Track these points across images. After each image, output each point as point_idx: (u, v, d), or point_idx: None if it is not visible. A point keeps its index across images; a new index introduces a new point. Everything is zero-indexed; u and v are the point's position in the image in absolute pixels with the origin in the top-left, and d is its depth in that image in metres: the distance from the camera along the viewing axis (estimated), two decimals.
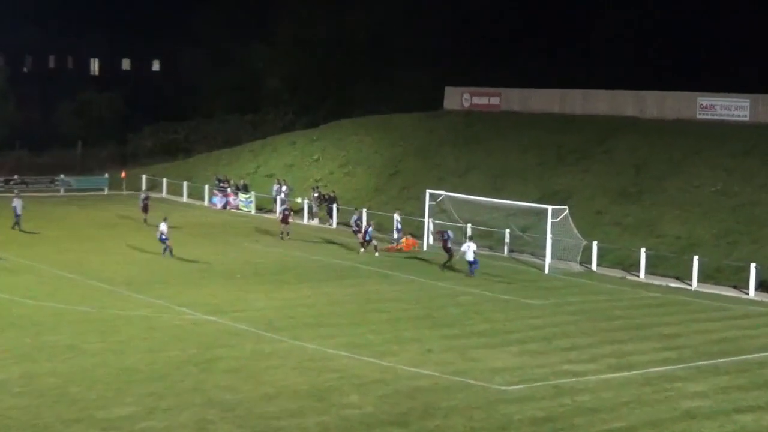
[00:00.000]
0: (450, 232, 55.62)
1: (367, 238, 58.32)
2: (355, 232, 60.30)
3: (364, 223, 61.40)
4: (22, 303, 42.23)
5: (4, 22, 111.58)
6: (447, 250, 54.33)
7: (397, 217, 62.85)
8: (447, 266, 53.64)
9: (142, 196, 70.95)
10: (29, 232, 61.59)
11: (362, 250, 57.84)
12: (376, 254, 57.41)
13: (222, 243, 61.21)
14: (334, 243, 61.41)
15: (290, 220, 64.04)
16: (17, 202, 63.52)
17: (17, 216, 62.88)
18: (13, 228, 62.13)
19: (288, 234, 62.63)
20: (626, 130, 70.16)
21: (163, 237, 54.62)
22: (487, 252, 58.27)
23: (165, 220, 55.67)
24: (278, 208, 74.95)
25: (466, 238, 54.66)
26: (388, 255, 58.07)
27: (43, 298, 43.35)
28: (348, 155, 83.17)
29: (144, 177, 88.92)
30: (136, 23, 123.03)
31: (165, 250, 54.49)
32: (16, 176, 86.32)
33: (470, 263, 51.78)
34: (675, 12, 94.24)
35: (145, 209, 68.28)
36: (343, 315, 42.07)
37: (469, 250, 51.74)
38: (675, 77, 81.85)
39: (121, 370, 32.62)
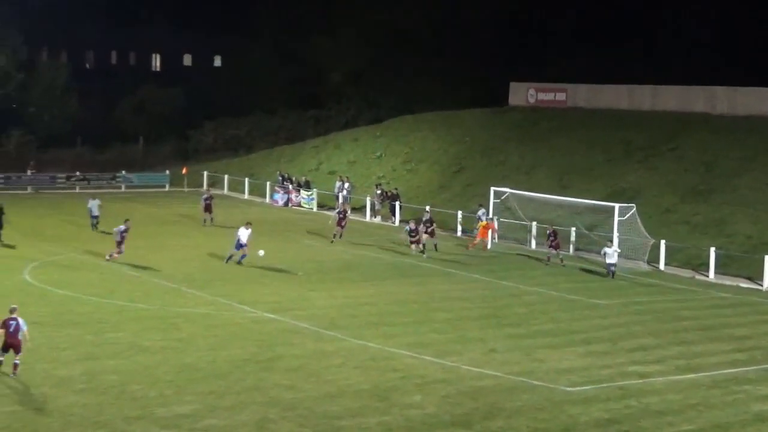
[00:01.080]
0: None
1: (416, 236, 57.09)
2: (411, 242, 57.54)
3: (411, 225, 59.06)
4: (85, 300, 42.77)
5: (66, 18, 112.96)
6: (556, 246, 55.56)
7: (482, 210, 62.72)
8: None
9: (205, 195, 69.23)
10: (107, 233, 60.64)
11: (413, 247, 56.94)
12: (425, 255, 57.01)
13: (283, 240, 61.54)
14: (397, 241, 61.45)
15: (344, 223, 61.24)
16: (93, 203, 62.73)
17: (94, 217, 62.04)
18: (93, 229, 61.44)
19: (340, 236, 61.18)
20: (696, 127, 69.62)
21: (242, 244, 51.87)
22: (547, 250, 58.08)
23: (248, 225, 52.68)
24: (339, 206, 75.21)
25: (608, 242, 54.14)
26: (467, 253, 58.25)
27: (105, 295, 43.87)
28: (411, 152, 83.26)
29: (205, 173, 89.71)
30: (197, 18, 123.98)
31: (240, 258, 51.93)
32: (77, 172, 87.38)
33: (611, 265, 51.86)
34: (746, 4, 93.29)
35: (208, 209, 66.50)
36: (406, 314, 42.18)
37: (613, 253, 51.96)
38: (747, 72, 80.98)
39: (182, 367, 32.97)
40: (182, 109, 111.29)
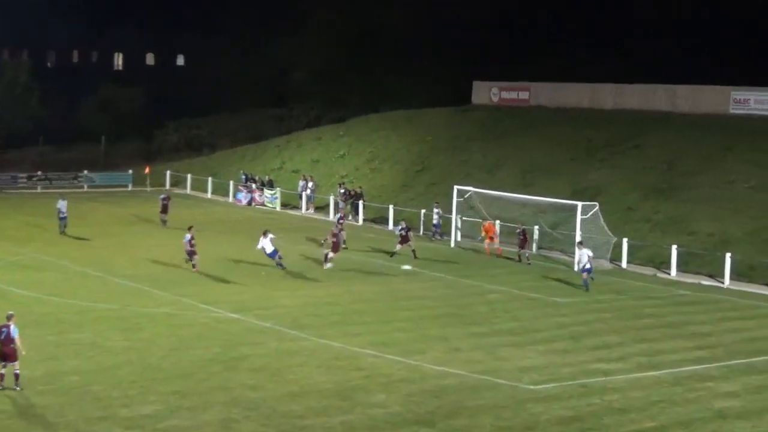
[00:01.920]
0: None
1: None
2: (401, 242, 56.36)
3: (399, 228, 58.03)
4: (46, 300, 42.52)
5: (28, 17, 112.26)
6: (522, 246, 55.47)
7: (437, 210, 62.92)
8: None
9: (162, 195, 67.88)
10: (79, 239, 59.37)
11: (399, 247, 56.21)
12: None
13: (247, 239, 61.30)
14: (360, 240, 61.41)
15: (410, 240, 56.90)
16: (62, 203, 61.06)
17: (63, 218, 60.58)
18: (61, 232, 60.11)
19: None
20: (658, 125, 70.01)
21: (271, 254, 50.00)
22: (513, 249, 58.24)
23: (266, 233, 50.72)
24: (303, 204, 75.13)
25: (577, 245, 51.46)
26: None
27: (67, 295, 43.63)
28: (374, 151, 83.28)
29: (168, 173, 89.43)
30: (160, 17, 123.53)
31: (279, 265, 50.34)
32: (39, 172, 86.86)
33: (585, 270, 48.70)
34: (708, 4, 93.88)
35: (165, 210, 65.33)
36: (370, 313, 42.18)
37: (584, 256, 48.91)
38: (708, 71, 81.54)
39: (145, 368, 32.84)
40: (145, 109, 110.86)
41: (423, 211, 66.31)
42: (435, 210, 63.69)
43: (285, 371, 32.91)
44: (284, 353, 35.21)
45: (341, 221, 60.27)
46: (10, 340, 30.13)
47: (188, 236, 50.36)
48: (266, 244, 50.22)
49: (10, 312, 31.24)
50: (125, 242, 58.95)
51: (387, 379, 32.32)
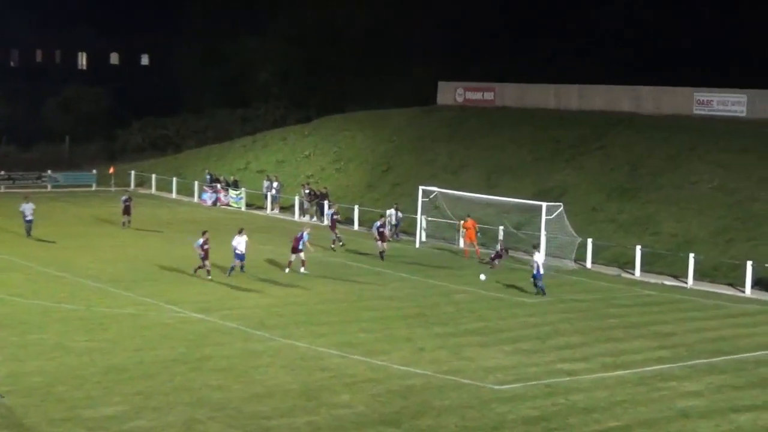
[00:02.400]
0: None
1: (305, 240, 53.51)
2: (379, 239, 56.06)
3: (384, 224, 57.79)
4: (8, 301, 42.21)
5: None
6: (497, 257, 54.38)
7: (391, 212, 63.11)
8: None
9: (124, 197, 66.18)
10: (44, 241, 58.07)
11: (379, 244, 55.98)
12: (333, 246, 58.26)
13: (212, 240, 60.99)
14: (325, 240, 61.29)
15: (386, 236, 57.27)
16: (26, 207, 58.79)
17: (28, 221, 58.46)
18: (27, 236, 57.95)
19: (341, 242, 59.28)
20: (622, 126, 70.30)
21: (240, 254, 49.38)
22: (481, 249, 58.35)
23: (241, 232, 50.23)
24: (269, 204, 75.05)
25: (533, 249, 49.66)
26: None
27: (30, 296, 43.34)
28: (340, 151, 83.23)
29: (132, 173, 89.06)
30: (124, 17, 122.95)
31: (241, 268, 49.60)
32: (2, 171, 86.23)
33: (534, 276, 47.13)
34: (672, 7, 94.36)
35: (127, 211, 64.25)
36: (335, 313, 42.11)
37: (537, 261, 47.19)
38: (672, 72, 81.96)
39: (109, 368, 32.63)
40: (109, 108, 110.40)
41: (388, 211, 66.23)
42: (389, 212, 63.20)
43: (250, 372, 32.80)
44: (249, 354, 35.09)
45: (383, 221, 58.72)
46: None
47: (200, 241, 48.81)
48: (240, 243, 49.49)
49: None
50: (89, 242, 58.61)
51: (352, 379, 32.27)
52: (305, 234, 51.01)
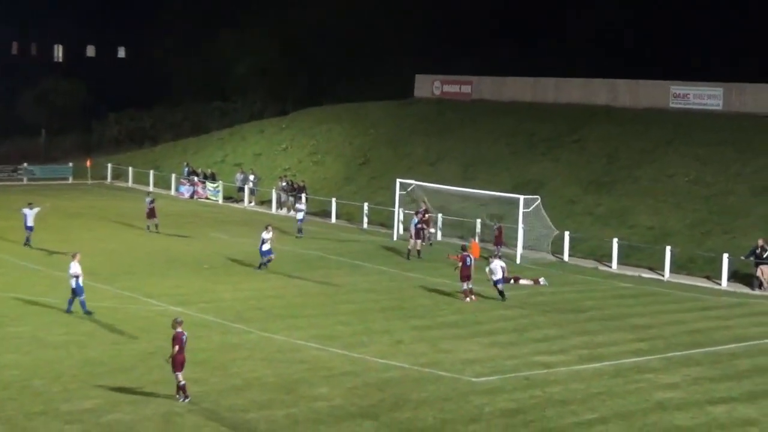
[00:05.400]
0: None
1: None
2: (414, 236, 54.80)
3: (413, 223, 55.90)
4: None
5: None
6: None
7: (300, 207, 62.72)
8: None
9: (148, 198, 61.69)
10: (47, 251, 54.92)
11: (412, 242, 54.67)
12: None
13: (189, 233, 61.04)
14: (303, 233, 61.26)
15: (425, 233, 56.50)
16: (29, 212, 54.56)
17: (29, 228, 54.17)
18: (26, 244, 53.78)
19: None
20: (599, 119, 70.46)
21: (267, 251, 48.86)
22: (459, 242, 58.41)
23: (267, 228, 49.45)
24: (246, 197, 74.94)
25: (493, 257, 47.69)
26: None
27: (6, 289, 43.14)
28: (317, 144, 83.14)
29: (109, 166, 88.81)
30: (101, 9, 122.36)
31: (266, 263, 49.23)
32: None
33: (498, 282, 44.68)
34: (648, 1, 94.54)
35: (152, 214, 60.50)
36: (313, 306, 42.09)
37: (497, 267, 44.65)
38: (648, 66, 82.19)
39: (86, 362, 32.53)
40: (85, 101, 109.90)
41: (366, 204, 66.29)
42: (298, 204, 63.42)
43: (228, 365, 32.75)
44: (227, 347, 35.05)
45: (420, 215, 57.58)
46: None
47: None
48: (267, 240, 48.77)
49: None
50: (66, 236, 58.27)
51: (330, 372, 32.25)
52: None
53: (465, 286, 44.02)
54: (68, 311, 38.72)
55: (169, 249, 54.35)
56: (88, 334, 36.18)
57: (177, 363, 28.51)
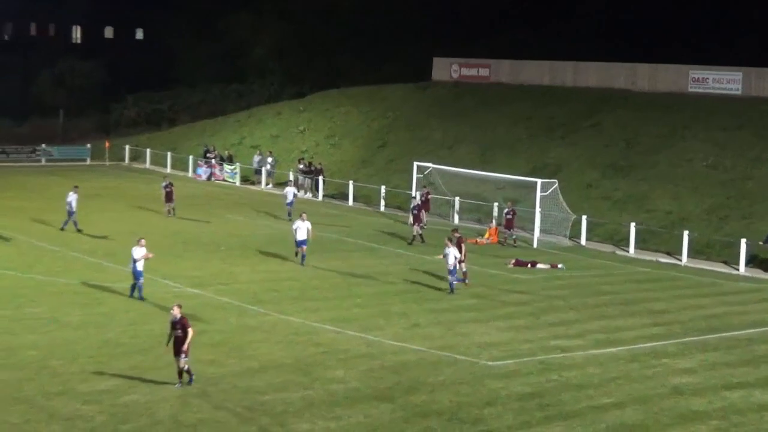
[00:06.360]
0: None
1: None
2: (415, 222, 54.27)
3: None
4: (2, 274, 42.18)
5: None
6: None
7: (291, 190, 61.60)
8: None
9: (164, 183, 60.78)
10: (37, 212, 57.40)
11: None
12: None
13: (206, 215, 61.14)
14: (320, 216, 61.29)
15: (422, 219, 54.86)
16: (73, 197, 53.62)
17: (71, 214, 53.39)
18: (62, 229, 53.08)
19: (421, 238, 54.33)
20: (617, 103, 70.25)
21: (301, 240, 46.43)
22: (476, 225, 58.48)
23: (302, 216, 47.24)
24: (263, 179, 75.03)
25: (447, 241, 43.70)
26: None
27: (24, 269, 43.32)
28: (335, 126, 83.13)
29: (127, 147, 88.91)
30: None
31: (300, 255, 46.84)
32: None
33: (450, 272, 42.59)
34: None
35: (169, 198, 59.47)
36: (329, 289, 42.16)
37: (450, 257, 42.37)
38: (667, 50, 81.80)
39: (103, 343, 32.68)
40: (103, 83, 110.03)
41: (383, 187, 66.32)
42: (287, 189, 61.46)
43: (244, 347, 32.86)
44: (244, 329, 35.15)
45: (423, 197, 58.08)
46: None
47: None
48: (301, 227, 46.66)
49: None
50: (84, 216, 58.26)
51: (346, 354, 32.33)
52: None
53: (464, 267, 43.78)
54: (133, 296, 38.71)
55: (186, 231, 54.45)
56: (105, 315, 36.32)
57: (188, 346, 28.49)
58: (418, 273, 46.05)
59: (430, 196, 59.37)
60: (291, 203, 60.19)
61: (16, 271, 42.82)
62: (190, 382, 28.63)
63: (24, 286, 40.27)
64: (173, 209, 59.66)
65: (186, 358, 28.39)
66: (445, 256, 42.22)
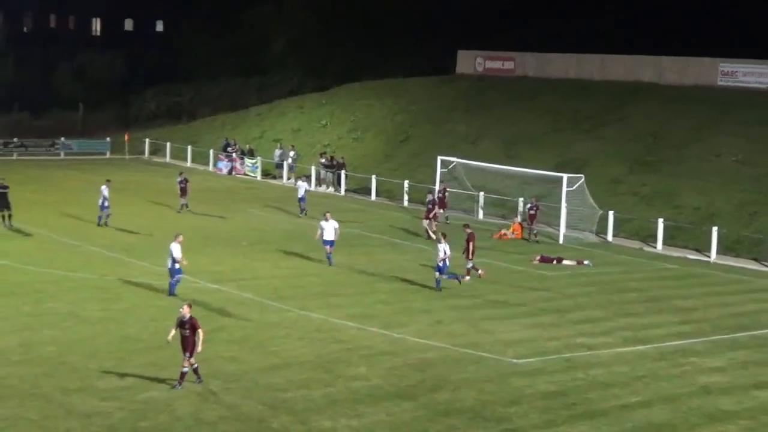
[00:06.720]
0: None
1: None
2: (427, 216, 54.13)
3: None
4: (21, 269, 42.32)
5: None
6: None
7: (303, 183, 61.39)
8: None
9: (180, 177, 60.26)
10: (56, 206, 57.62)
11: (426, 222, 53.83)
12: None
13: (227, 209, 61.22)
14: (342, 211, 61.27)
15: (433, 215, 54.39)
16: (106, 190, 53.46)
17: (104, 208, 53.29)
18: (100, 224, 53.16)
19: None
20: (644, 96, 70.01)
21: (329, 240, 45.44)
22: (499, 221, 58.37)
23: (326, 216, 46.08)
24: (285, 173, 75.08)
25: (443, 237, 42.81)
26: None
27: (43, 264, 43.44)
28: (357, 120, 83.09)
29: (147, 141, 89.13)
30: None
31: (328, 256, 45.78)
32: (15, 139, 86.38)
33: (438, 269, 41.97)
34: None
35: (183, 193, 59.28)
36: (352, 285, 42.13)
37: (440, 252, 41.64)
38: (695, 42, 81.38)
39: (122, 339, 32.74)
40: (123, 75, 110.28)
41: (406, 182, 66.26)
42: (299, 183, 60.93)
43: (266, 343, 32.85)
44: (265, 325, 35.14)
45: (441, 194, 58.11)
46: None
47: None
48: (328, 228, 45.71)
49: None
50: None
51: (369, 351, 32.29)
52: None
53: (469, 264, 43.81)
54: (174, 293, 38.69)
55: (206, 225, 54.48)
56: (125, 310, 36.38)
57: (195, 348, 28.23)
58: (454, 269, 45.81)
59: (447, 193, 59.19)
60: (303, 198, 59.66)
61: (35, 266, 42.93)
62: (198, 381, 28.36)
63: (43, 281, 40.37)
64: (186, 205, 59.45)
65: (191, 359, 28.17)
66: (438, 250, 41.51)
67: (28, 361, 30.07)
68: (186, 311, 28.41)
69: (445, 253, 41.27)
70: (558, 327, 36.40)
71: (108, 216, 53.41)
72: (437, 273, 41.63)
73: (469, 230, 44.44)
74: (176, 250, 38.54)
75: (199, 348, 28.20)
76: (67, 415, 25.92)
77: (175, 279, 38.71)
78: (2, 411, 26.02)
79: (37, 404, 26.57)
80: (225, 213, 59.61)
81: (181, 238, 39.20)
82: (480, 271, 43.80)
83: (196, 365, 28.29)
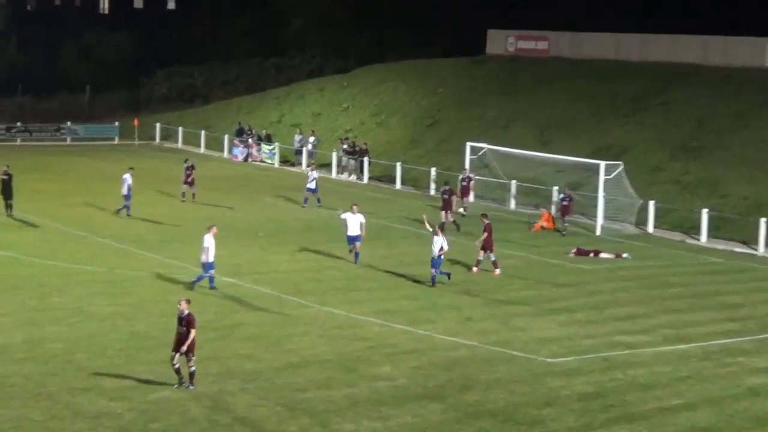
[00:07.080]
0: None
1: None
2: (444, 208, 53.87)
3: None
4: (26, 262, 42.51)
5: None
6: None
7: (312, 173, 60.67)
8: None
9: (186, 165, 60.22)
10: (61, 194, 57.94)
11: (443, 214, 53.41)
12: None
13: (243, 198, 61.34)
14: (365, 200, 61.27)
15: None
16: (129, 178, 53.71)
17: (127, 198, 53.57)
18: (118, 213, 53.67)
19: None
20: (687, 79, 69.76)
21: (354, 236, 44.39)
22: (532, 211, 58.29)
23: (354, 208, 45.16)
24: (304, 160, 75.12)
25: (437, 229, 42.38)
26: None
27: (48, 256, 43.61)
28: (381, 104, 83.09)
29: (158, 126, 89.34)
30: None
31: (353, 252, 44.82)
32: (18, 123, 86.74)
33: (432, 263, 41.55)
34: None
35: (190, 181, 59.35)
36: (375, 279, 42.17)
37: (436, 245, 41.33)
38: (743, 21, 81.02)
39: (132, 335, 32.84)
40: (132, 56, 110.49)
41: (433, 169, 66.24)
42: (310, 172, 59.88)
43: (284, 340, 32.90)
44: (283, 321, 35.21)
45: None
46: None
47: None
48: (353, 222, 44.78)
49: None
50: (112, 200, 58.69)
51: (393, 349, 32.31)
52: None
53: (481, 256, 43.80)
54: (214, 287, 38.85)
55: (220, 215, 54.53)
56: (134, 305, 36.49)
57: (193, 346, 28.04)
58: (471, 262, 45.82)
59: (472, 182, 59.09)
60: (314, 190, 58.74)
61: (40, 259, 43.12)
62: (189, 384, 28.00)
63: (49, 274, 40.54)
64: (194, 194, 59.35)
65: (187, 356, 27.90)
66: (434, 243, 41.05)
67: (33, 358, 30.20)
68: (184, 306, 28.34)
69: (441, 248, 41.02)
70: (595, 324, 36.35)
71: (125, 206, 53.45)
72: (433, 269, 41.23)
73: (486, 220, 44.24)
74: (211, 242, 38.48)
75: (184, 348, 27.73)
76: (74, 416, 26.03)
77: (208, 274, 38.68)
78: (6, 411, 26.15)
79: (43, 404, 26.68)
80: (240, 202, 59.70)
81: (215, 229, 39.16)
82: (474, 269, 43.62)
83: (177, 365, 27.97)
